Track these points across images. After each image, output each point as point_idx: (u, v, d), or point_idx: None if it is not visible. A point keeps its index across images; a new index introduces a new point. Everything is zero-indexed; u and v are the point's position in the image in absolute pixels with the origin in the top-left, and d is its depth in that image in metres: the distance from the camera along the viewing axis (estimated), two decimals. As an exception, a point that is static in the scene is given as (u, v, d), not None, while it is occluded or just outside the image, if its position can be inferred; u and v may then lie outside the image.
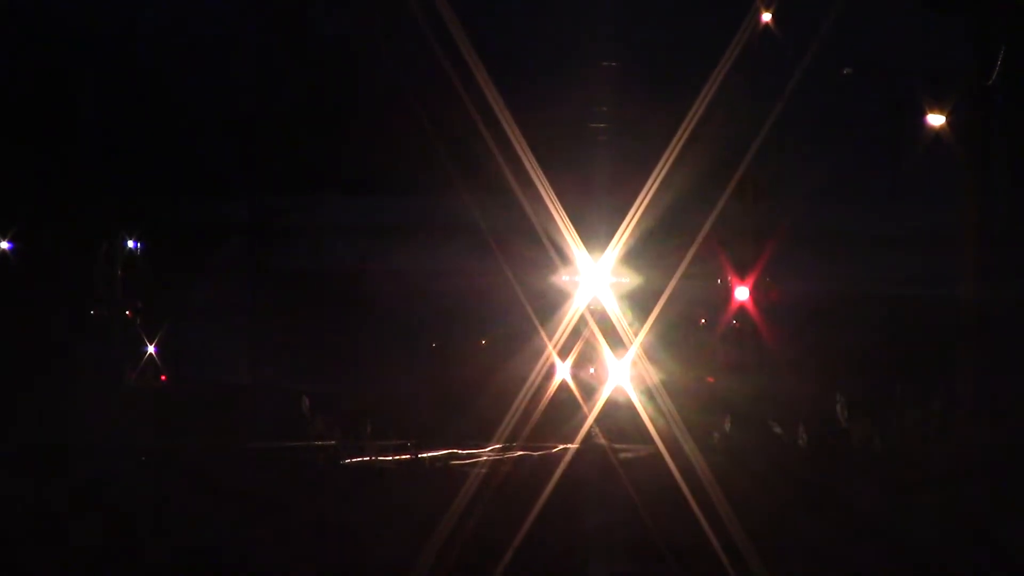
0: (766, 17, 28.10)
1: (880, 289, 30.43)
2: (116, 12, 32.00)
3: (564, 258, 27.42)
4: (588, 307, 27.55)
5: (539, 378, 26.78)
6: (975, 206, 28.64)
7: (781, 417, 27.84)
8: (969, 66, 28.46)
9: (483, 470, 25.04)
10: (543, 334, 27.24)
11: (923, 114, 28.78)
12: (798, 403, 28.23)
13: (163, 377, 33.00)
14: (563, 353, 27.82)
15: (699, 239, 26.72)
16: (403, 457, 27.01)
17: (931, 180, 29.59)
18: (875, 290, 30.46)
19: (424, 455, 26.90)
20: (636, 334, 27.06)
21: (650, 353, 27.29)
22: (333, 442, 27.87)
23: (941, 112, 28.62)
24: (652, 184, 25.84)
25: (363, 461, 26.93)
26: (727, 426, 28.13)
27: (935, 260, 29.71)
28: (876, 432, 27.40)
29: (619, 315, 27.20)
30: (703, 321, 31.53)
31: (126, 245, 33.20)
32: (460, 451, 26.84)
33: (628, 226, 26.32)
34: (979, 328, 28.38)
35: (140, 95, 31.40)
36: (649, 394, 25.87)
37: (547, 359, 27.37)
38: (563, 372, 27.82)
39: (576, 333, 27.52)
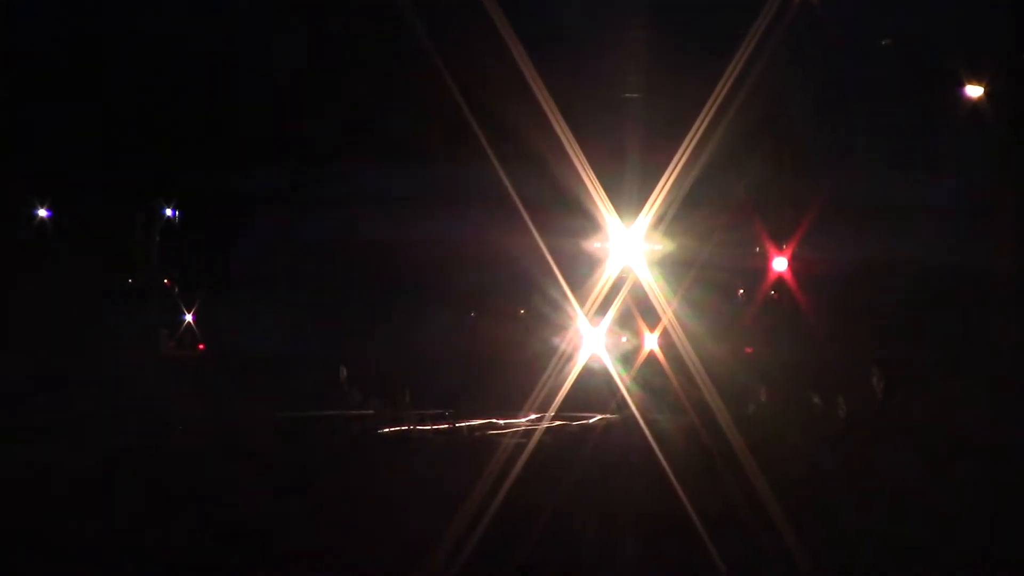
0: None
1: (919, 259, 30.25)
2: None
3: (599, 226, 27.33)
4: (624, 276, 27.45)
5: (572, 347, 26.74)
6: (1014, 176, 28.45)
7: (819, 388, 27.77)
8: (1006, 37, 28.25)
9: (522, 440, 25.06)
10: (576, 303, 27.18)
11: (961, 85, 28.59)
12: (836, 374, 28.15)
13: (200, 346, 33.11)
14: (597, 321, 27.77)
15: (735, 207, 26.57)
16: (441, 427, 27.04)
17: (970, 150, 29.39)
18: (914, 260, 30.27)
19: (462, 424, 26.92)
20: (670, 303, 26.94)
21: (684, 323, 27.19)
22: (371, 411, 27.92)
23: (979, 83, 28.42)
24: (686, 151, 25.69)
25: (401, 431, 26.98)
26: (763, 396, 28.07)
27: (974, 230, 29.54)
28: (915, 403, 27.31)
29: (653, 284, 27.09)
30: (740, 291, 31.41)
31: (163, 214, 33.31)
32: (498, 420, 26.84)
33: (662, 193, 26.19)
34: (1018, 298, 28.24)
35: (178, 64, 31.43)
36: (681, 364, 25.78)
37: (580, 328, 27.33)
38: (596, 341, 27.78)
39: (610, 302, 27.45)
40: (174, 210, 33.32)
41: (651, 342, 27.17)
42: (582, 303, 27.20)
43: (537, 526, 17.30)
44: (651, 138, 28.05)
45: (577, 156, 25.46)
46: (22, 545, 17.26)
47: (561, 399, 25.87)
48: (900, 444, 24.92)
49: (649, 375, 27.05)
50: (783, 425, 26.47)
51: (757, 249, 31.16)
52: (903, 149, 30.68)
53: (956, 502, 19.59)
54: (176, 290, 32.82)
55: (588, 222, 27.23)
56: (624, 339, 28.88)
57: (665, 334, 27.01)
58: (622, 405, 26.86)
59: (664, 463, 20.86)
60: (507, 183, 27.86)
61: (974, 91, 28.53)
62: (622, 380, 26.70)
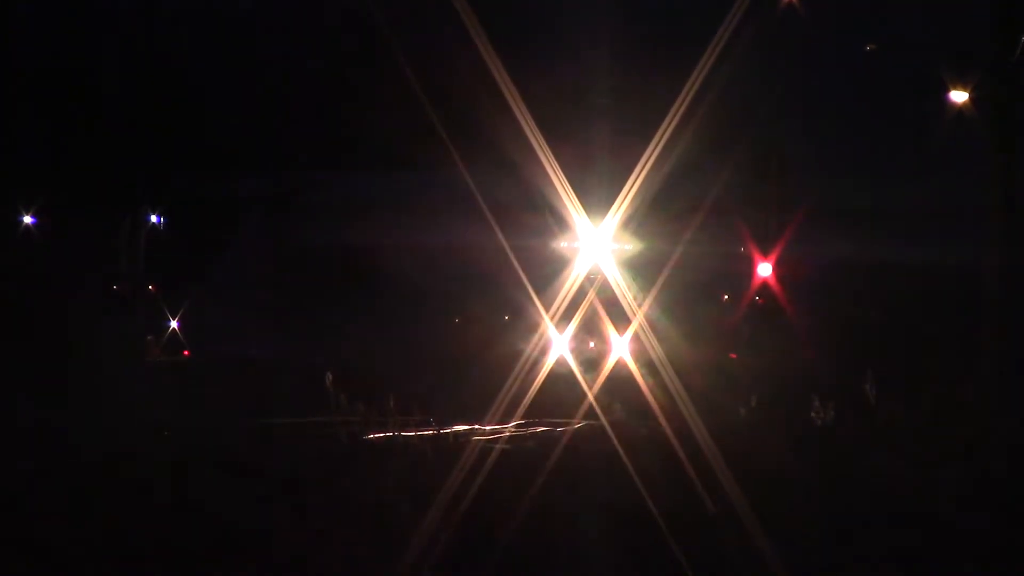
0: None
1: (910, 263, 30.26)
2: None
3: (582, 228, 27.27)
4: (605, 282, 27.40)
5: (543, 353, 26.72)
6: (1001, 182, 28.47)
7: (810, 395, 27.81)
8: (994, 42, 28.26)
9: (507, 446, 25.10)
10: (566, 307, 27.15)
11: (947, 90, 28.62)
12: (824, 381, 28.17)
13: (186, 352, 33.07)
14: (576, 326, 27.75)
15: (712, 207, 26.46)
16: (426, 432, 27.05)
17: (958, 155, 29.44)
18: (904, 264, 30.28)
19: (447, 430, 26.93)
20: (644, 306, 26.83)
21: (659, 327, 27.19)
22: (356, 418, 27.91)
23: (965, 88, 28.45)
24: (656, 149, 25.54)
25: (386, 436, 26.98)
26: (753, 403, 28.06)
27: (963, 236, 29.57)
28: (903, 410, 27.33)
29: (626, 287, 27.01)
30: (725, 296, 31.41)
31: (149, 219, 33.28)
32: (483, 427, 26.85)
33: (631, 190, 26.04)
34: (1005, 306, 28.24)
35: (162, 70, 31.44)
36: (654, 369, 25.75)
37: (551, 332, 27.32)
38: (574, 346, 27.76)
39: (585, 304, 27.40)
40: (159, 216, 33.29)
41: (623, 347, 27.10)
42: (572, 307, 27.16)
43: (517, 527, 17.38)
44: (629, 140, 27.96)
45: (549, 160, 25.39)
46: (7, 552, 17.25)
47: (545, 405, 25.90)
48: (890, 449, 24.95)
49: (622, 381, 27.05)
50: (770, 431, 26.47)
51: (742, 249, 31.12)
52: (891, 153, 30.70)
53: (940, 506, 19.65)
54: (161, 296, 32.78)
55: (575, 231, 27.18)
56: (611, 343, 28.78)
57: (639, 339, 26.95)
58: (617, 409, 26.88)
59: (641, 468, 20.92)
60: (488, 188, 27.86)
61: (960, 96, 28.56)
62: (602, 386, 26.65)
